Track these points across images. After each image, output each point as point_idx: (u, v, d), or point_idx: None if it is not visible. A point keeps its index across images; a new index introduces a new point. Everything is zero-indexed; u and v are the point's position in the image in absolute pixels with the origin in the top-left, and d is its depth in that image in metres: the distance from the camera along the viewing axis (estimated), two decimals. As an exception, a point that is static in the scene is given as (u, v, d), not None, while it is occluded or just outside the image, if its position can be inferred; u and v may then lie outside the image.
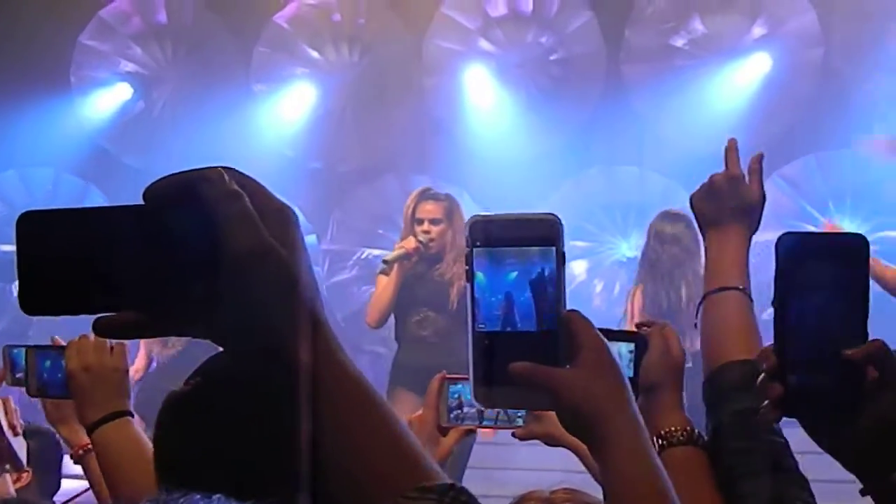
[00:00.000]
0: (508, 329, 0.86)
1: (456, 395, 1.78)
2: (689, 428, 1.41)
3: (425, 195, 4.83)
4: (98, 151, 8.41)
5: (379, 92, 8.32)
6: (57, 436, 2.18)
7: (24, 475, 2.17)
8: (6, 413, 2.08)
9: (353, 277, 8.25)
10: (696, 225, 1.68)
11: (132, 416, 1.76)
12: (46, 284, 0.66)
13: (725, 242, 1.57)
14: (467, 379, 1.74)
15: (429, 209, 4.75)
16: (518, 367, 0.85)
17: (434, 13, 8.16)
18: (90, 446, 1.86)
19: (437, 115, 8.25)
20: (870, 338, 1.00)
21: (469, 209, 8.10)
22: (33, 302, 0.67)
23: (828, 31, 7.67)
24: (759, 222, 1.63)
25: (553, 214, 0.88)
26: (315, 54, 8.42)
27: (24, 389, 2.08)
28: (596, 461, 0.62)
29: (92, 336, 1.80)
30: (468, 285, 0.89)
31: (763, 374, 1.01)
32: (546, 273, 0.87)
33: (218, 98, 8.08)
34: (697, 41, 7.95)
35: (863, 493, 1.07)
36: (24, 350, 2.08)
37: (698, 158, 7.48)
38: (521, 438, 1.77)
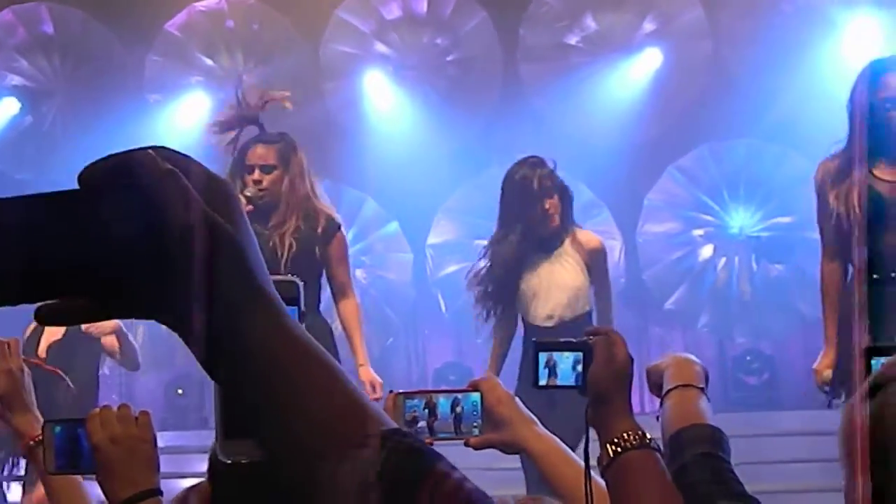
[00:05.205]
0: None
1: (412, 410, 1.76)
2: (640, 432, 1.44)
3: (256, 138, 4.27)
4: (-13, 169, 8.16)
5: (276, 98, 8.24)
6: None
7: None
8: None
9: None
10: None
11: (161, 493, 1.72)
12: None
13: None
14: (422, 394, 1.74)
15: (259, 153, 4.18)
16: None
17: (329, 17, 8.12)
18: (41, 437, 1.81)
19: (336, 119, 8.22)
20: None
21: (373, 213, 8.14)
22: None
23: (715, 25, 7.88)
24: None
25: (294, 278, 0.91)
26: (209, 62, 8.30)
27: None
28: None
29: (114, 406, 1.75)
30: None
31: None
32: None
33: (111, 109, 7.90)
34: (591, 38, 8.08)
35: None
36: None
37: (597, 153, 7.72)
38: (476, 447, 1.76)
